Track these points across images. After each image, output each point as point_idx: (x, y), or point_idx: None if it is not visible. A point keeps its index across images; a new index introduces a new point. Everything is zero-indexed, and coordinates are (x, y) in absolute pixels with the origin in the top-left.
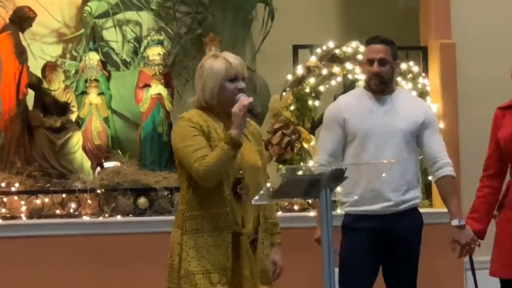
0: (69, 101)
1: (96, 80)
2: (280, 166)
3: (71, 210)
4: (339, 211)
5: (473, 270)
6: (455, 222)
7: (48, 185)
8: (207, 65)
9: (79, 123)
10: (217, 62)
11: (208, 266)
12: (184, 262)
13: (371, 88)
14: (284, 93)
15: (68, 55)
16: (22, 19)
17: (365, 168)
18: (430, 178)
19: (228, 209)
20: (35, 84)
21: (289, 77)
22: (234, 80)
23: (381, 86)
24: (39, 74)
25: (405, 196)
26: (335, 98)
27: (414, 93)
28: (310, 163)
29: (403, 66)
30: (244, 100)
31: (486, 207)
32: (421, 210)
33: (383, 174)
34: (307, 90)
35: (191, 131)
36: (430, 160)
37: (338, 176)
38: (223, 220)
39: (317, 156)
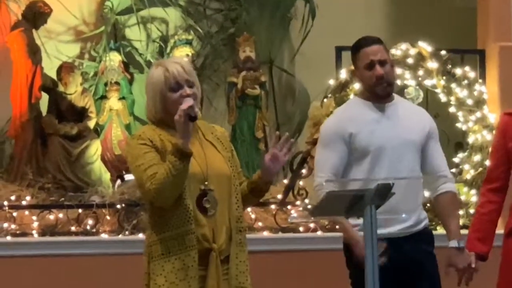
0: (87, 106)
1: (117, 83)
2: None
3: (88, 227)
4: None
5: None
6: (453, 243)
7: (63, 199)
8: (149, 76)
9: (97, 131)
10: (156, 71)
11: None
12: None
13: (377, 94)
14: (325, 100)
15: (86, 55)
16: (36, 15)
17: (401, 184)
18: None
19: (192, 227)
20: (50, 87)
21: (331, 82)
22: (177, 89)
23: (389, 89)
24: (54, 76)
25: (420, 216)
26: None
27: (470, 101)
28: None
29: (458, 71)
30: (183, 104)
31: (491, 226)
32: None
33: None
34: (351, 96)
35: (141, 149)
36: (432, 174)
37: (384, 192)
38: (189, 239)
39: (318, 178)
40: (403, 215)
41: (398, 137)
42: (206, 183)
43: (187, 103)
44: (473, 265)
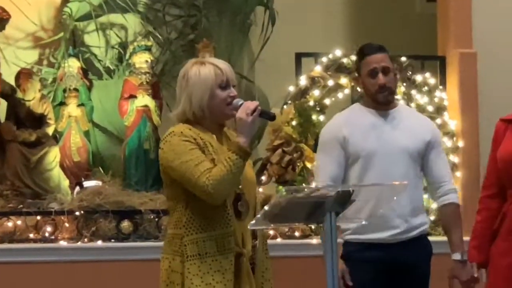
0: (45, 113)
1: (76, 90)
2: (280, 187)
3: (47, 234)
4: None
5: None
6: (456, 256)
7: (21, 206)
8: (192, 73)
9: (56, 138)
10: (204, 68)
11: None
12: None
13: (378, 102)
14: (285, 107)
15: (45, 62)
16: None
17: (371, 191)
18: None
19: (232, 229)
20: (8, 94)
21: (291, 88)
22: (225, 87)
23: (390, 97)
24: (12, 82)
25: (413, 223)
26: None
27: (430, 108)
28: (313, 185)
29: (419, 77)
30: (251, 104)
31: (486, 233)
32: (431, 238)
33: (395, 198)
34: (311, 103)
35: (186, 145)
36: (434, 184)
37: (344, 199)
38: (228, 241)
39: (316, 183)
40: (363, 222)
41: (391, 143)
42: (240, 186)
43: (253, 102)
44: (475, 275)
